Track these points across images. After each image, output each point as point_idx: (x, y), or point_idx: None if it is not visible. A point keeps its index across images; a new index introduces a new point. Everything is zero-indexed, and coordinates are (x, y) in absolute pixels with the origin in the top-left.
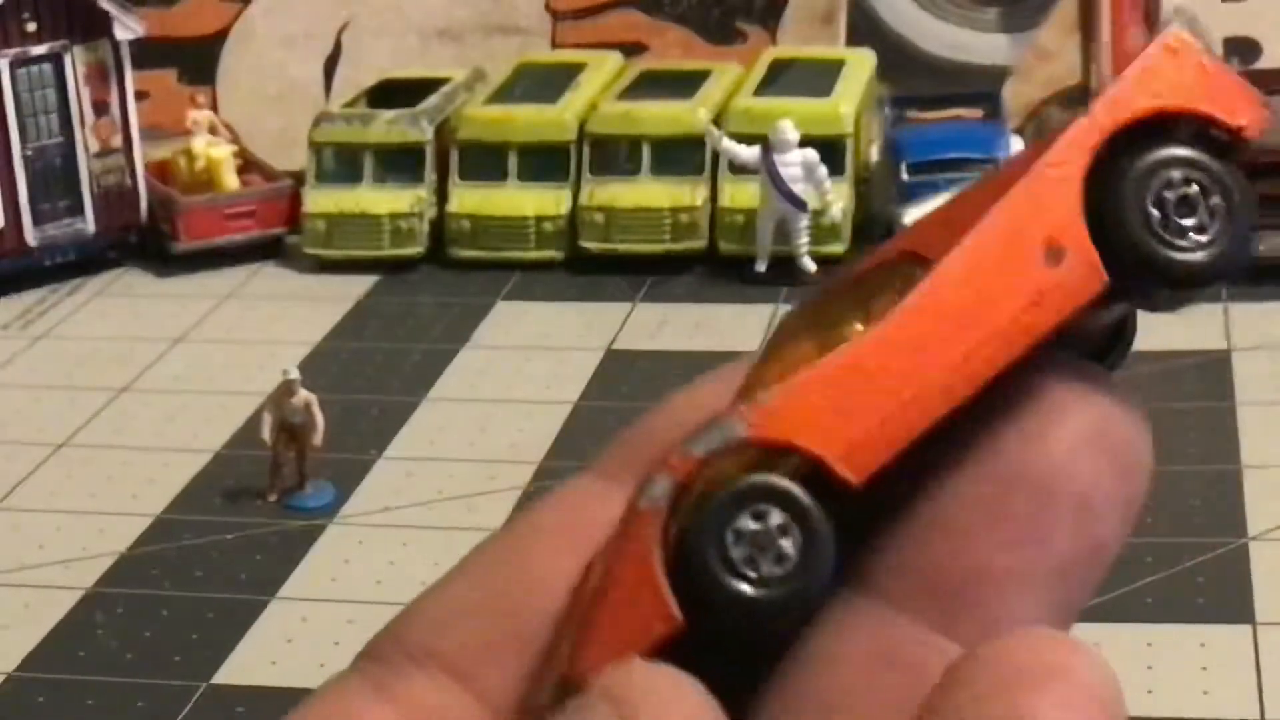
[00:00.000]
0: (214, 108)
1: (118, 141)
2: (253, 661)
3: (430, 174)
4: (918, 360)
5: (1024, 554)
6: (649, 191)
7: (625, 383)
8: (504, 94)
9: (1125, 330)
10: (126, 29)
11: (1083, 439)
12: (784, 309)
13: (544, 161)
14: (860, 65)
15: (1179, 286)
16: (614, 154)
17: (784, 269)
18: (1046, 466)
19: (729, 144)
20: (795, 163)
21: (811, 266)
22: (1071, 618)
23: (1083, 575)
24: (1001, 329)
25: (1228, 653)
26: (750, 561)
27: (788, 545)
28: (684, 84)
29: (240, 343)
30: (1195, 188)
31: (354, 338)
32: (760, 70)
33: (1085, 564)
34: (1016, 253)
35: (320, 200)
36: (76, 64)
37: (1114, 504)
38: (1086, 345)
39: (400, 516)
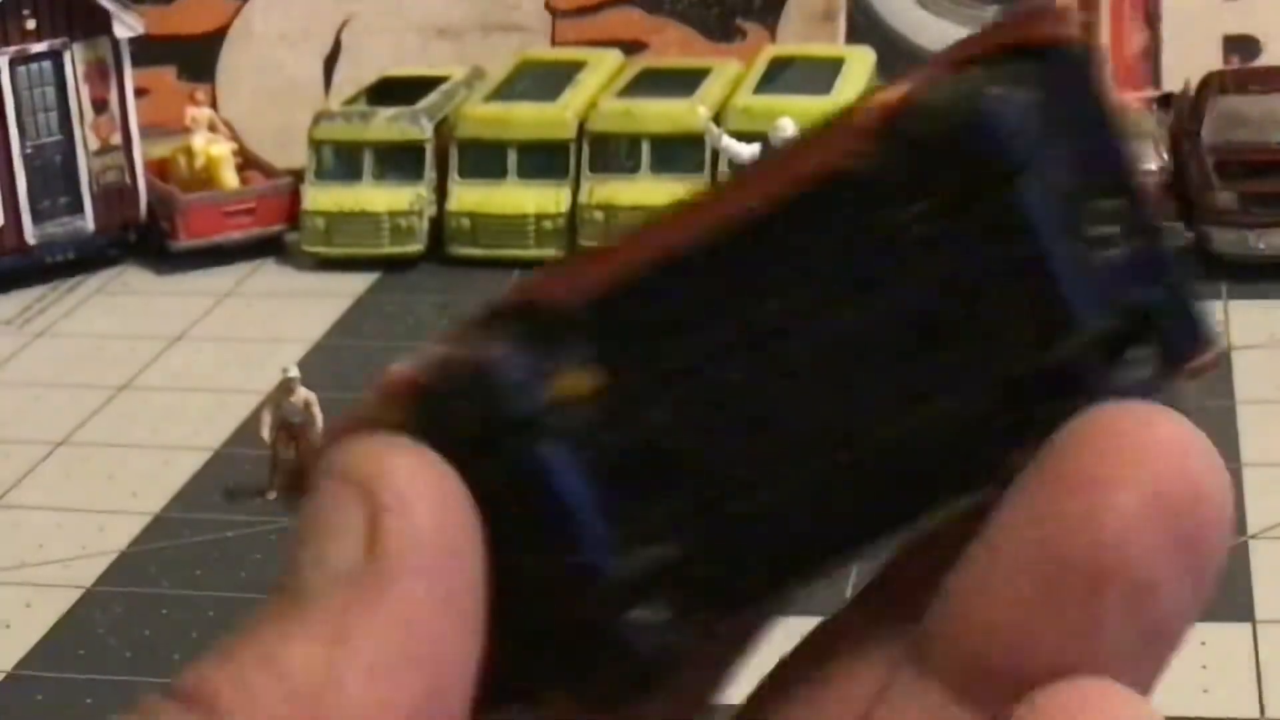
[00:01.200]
0: (214, 105)
1: (117, 139)
2: None
3: (430, 171)
4: (680, 219)
5: (1079, 647)
6: (649, 189)
7: None
8: (504, 92)
9: (1161, 324)
10: (126, 26)
11: (1136, 513)
12: None
13: (543, 159)
14: (860, 63)
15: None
16: (613, 152)
17: None
18: (1096, 552)
19: (729, 142)
20: None
21: None
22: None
23: (1146, 659)
24: (762, 175)
25: (1227, 651)
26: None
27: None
28: (684, 82)
29: (239, 340)
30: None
31: (353, 335)
32: (760, 68)
33: (1147, 648)
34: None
35: (320, 198)
36: (76, 61)
37: (1177, 580)
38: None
39: None
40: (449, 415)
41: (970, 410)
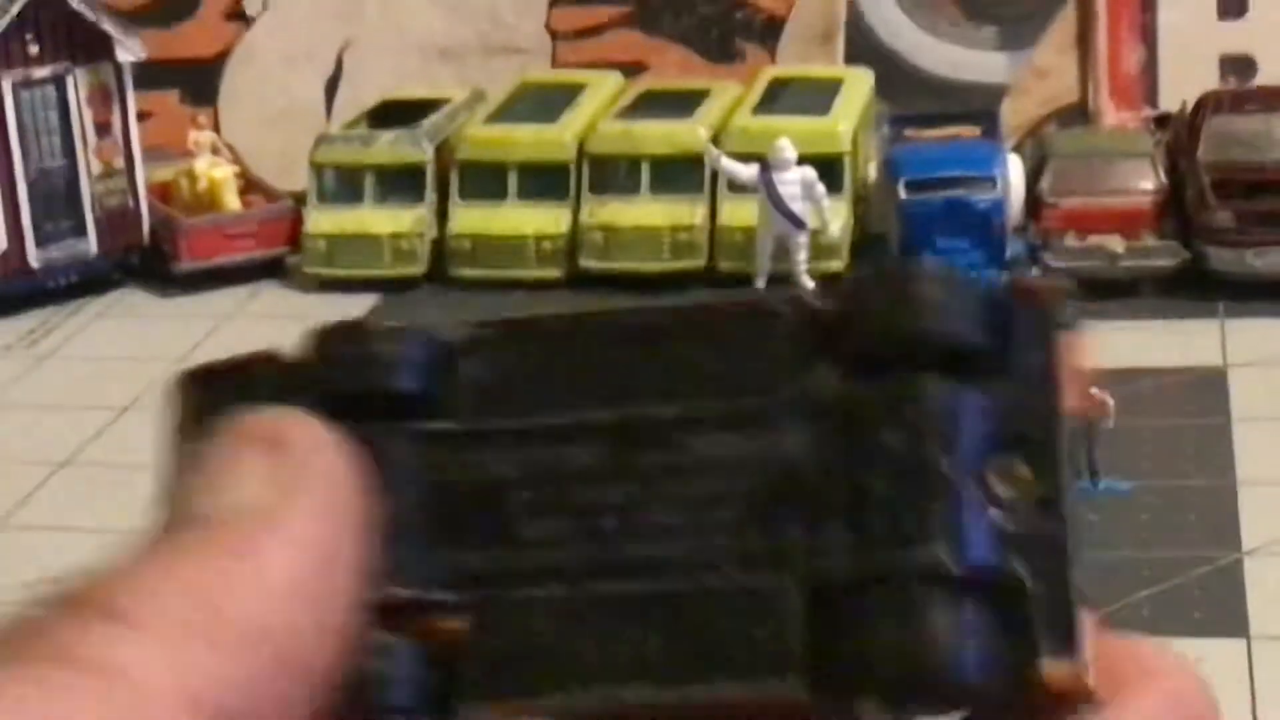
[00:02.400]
0: (216, 129)
1: (120, 163)
2: None
3: (431, 193)
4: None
5: None
6: (648, 210)
7: None
8: (504, 113)
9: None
10: (128, 51)
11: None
12: None
13: (544, 181)
14: (858, 84)
15: None
16: (613, 173)
17: (783, 287)
18: None
19: (728, 163)
20: (794, 181)
21: (810, 284)
22: None
23: None
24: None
25: (1222, 667)
26: None
27: None
28: (683, 103)
29: None
30: None
31: None
32: (759, 89)
33: None
34: None
35: (321, 220)
36: (79, 86)
37: None
38: None
39: None
40: (336, 372)
41: (793, 595)
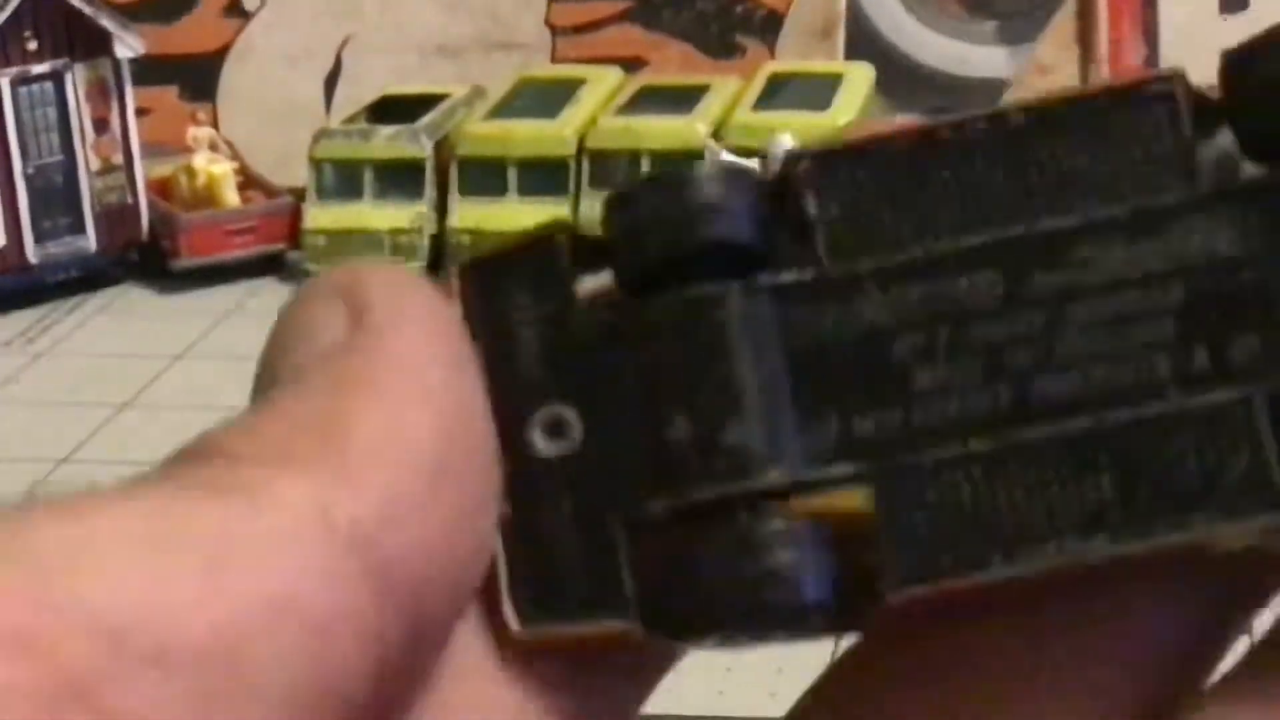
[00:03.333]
0: (215, 125)
1: (119, 159)
2: None
3: (430, 189)
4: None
5: None
6: None
7: None
8: (504, 109)
9: None
10: (127, 47)
11: None
12: None
13: (543, 176)
14: (859, 79)
15: None
16: (613, 168)
17: None
18: None
19: (728, 158)
20: None
21: None
22: None
23: None
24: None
25: (1226, 665)
26: None
27: None
28: (683, 98)
29: (242, 359)
30: None
31: None
32: (759, 84)
33: None
34: None
35: (321, 216)
36: (77, 82)
37: None
38: None
39: None
40: (639, 228)
41: (1260, 411)
